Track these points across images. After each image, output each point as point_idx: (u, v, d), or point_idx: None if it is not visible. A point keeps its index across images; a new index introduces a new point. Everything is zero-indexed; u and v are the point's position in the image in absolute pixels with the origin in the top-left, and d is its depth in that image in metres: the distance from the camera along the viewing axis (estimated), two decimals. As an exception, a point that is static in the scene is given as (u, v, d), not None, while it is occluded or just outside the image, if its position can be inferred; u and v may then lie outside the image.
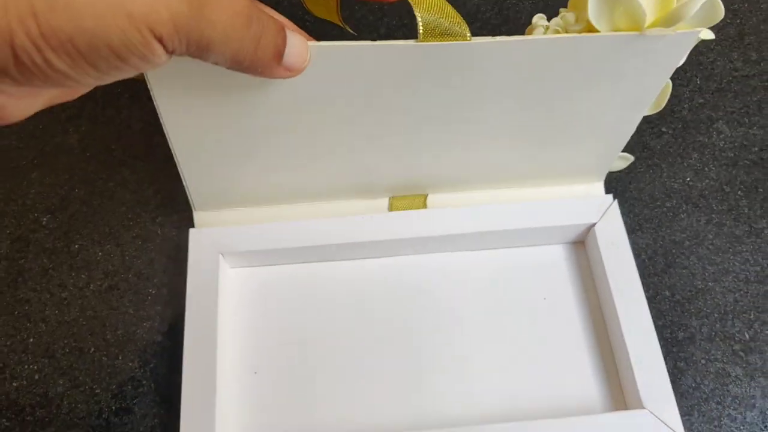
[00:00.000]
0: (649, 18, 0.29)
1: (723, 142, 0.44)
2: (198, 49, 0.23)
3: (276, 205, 0.39)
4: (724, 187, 0.43)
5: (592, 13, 0.30)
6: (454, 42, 0.29)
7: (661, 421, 0.33)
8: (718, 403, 0.36)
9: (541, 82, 0.32)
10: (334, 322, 0.38)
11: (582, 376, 0.37)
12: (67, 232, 0.40)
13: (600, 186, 0.41)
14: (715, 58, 0.48)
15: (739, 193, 0.42)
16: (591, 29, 0.30)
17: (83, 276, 0.39)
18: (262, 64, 0.25)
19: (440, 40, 0.29)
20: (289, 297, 0.39)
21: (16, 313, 0.38)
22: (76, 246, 0.40)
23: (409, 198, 0.40)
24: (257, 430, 0.35)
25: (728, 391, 0.37)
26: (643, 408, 0.34)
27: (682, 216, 0.42)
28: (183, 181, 0.36)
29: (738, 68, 0.47)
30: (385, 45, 0.29)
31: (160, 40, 0.22)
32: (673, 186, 0.43)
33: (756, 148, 0.44)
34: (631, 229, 0.41)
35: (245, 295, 0.39)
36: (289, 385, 0.36)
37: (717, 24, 0.31)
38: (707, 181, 0.43)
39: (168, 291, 0.39)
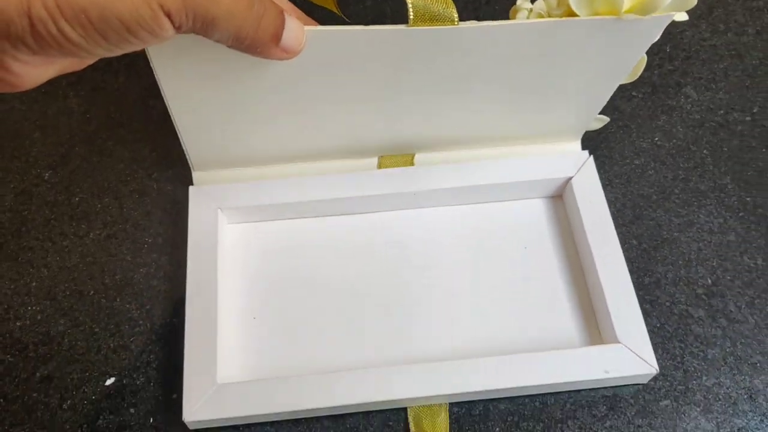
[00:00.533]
0: (627, 4, 0.31)
1: (690, 106, 0.47)
2: (203, 26, 0.25)
3: (270, 166, 0.41)
4: (691, 146, 0.45)
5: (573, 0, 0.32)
6: (443, 27, 0.31)
7: (635, 353, 0.36)
8: (680, 341, 0.38)
9: (524, 61, 0.34)
10: (326, 271, 0.40)
11: (562, 316, 0.39)
12: (68, 186, 0.43)
13: (577, 144, 0.43)
14: (684, 29, 0.50)
15: (704, 151, 0.45)
16: (572, 13, 0.32)
17: (83, 226, 0.41)
18: (262, 43, 0.27)
19: (429, 25, 0.31)
20: (284, 250, 0.41)
21: (19, 259, 0.40)
22: (77, 199, 0.42)
23: (397, 157, 0.42)
24: (256, 369, 0.37)
25: (691, 330, 0.39)
26: (619, 342, 0.36)
27: (650, 172, 0.44)
28: (182, 144, 0.38)
29: (706, 38, 0.50)
30: (376, 30, 0.31)
31: (169, 16, 0.23)
32: (642, 145, 0.45)
33: (722, 111, 0.47)
34: (602, 185, 0.43)
35: (243, 248, 0.41)
36: (286, 328, 0.38)
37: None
38: (674, 141, 0.45)
39: (163, 240, 0.41)
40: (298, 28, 0.29)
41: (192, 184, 0.41)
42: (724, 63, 0.49)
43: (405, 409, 0.36)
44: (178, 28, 0.24)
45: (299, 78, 0.33)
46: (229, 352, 0.37)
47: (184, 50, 0.31)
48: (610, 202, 0.43)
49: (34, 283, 0.39)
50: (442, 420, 0.36)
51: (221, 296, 0.37)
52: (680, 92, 0.47)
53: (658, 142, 0.45)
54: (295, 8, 0.33)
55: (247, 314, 0.39)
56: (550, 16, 0.34)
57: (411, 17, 0.30)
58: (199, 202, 0.39)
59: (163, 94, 0.34)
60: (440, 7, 0.30)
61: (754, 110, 0.47)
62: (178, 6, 0.23)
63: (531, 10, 0.36)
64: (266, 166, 0.41)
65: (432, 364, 0.35)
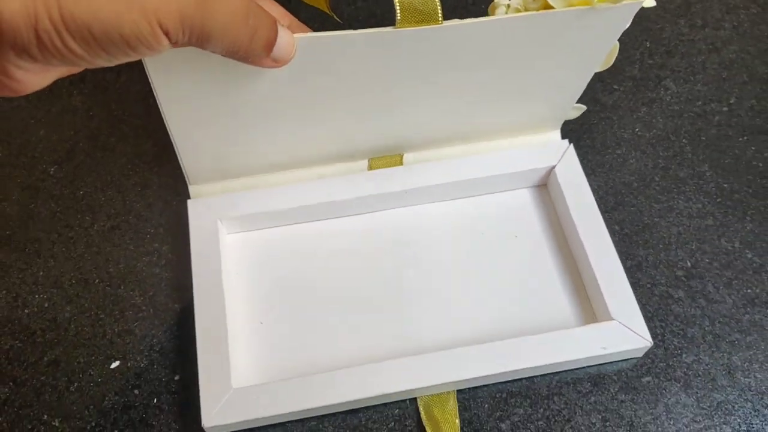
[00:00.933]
0: None
1: (670, 97, 0.49)
2: (199, 40, 0.26)
3: (265, 175, 0.43)
4: (670, 136, 0.47)
5: None
6: (428, 27, 0.33)
7: (629, 329, 0.37)
8: (661, 321, 0.40)
9: (504, 54, 0.36)
10: (327, 271, 0.41)
11: (556, 299, 0.40)
12: (72, 181, 0.45)
13: (557, 134, 0.45)
14: (663, 25, 0.52)
15: (683, 141, 0.47)
16: (548, 6, 0.34)
17: (88, 218, 0.43)
18: (254, 54, 0.29)
19: (415, 26, 0.32)
20: (284, 255, 0.42)
21: (27, 250, 0.42)
22: (81, 192, 0.44)
23: (386, 158, 0.44)
24: (268, 371, 0.38)
25: (671, 310, 0.40)
26: (613, 320, 0.38)
27: (631, 161, 0.46)
28: (179, 159, 0.39)
29: (684, 33, 0.52)
30: (365, 33, 0.32)
31: (167, 33, 0.25)
32: (623, 135, 0.47)
33: (700, 102, 0.49)
34: (585, 174, 0.45)
35: (245, 257, 0.42)
36: (293, 330, 0.39)
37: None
38: (655, 131, 0.47)
39: (165, 230, 0.43)
40: (289, 38, 0.30)
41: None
42: (702, 57, 0.51)
43: (415, 399, 0.37)
44: (174, 43, 0.26)
45: (292, 84, 0.35)
46: (241, 357, 0.38)
47: (181, 63, 0.32)
48: (593, 190, 0.44)
49: (41, 273, 0.41)
50: (452, 407, 0.37)
51: (228, 304, 0.38)
52: (660, 85, 0.49)
53: (639, 133, 0.47)
54: (287, 13, 0.34)
55: (254, 320, 0.40)
56: (527, 10, 0.35)
57: (398, 17, 0.32)
58: (198, 214, 0.40)
59: (160, 109, 0.35)
60: (426, 6, 0.32)
61: (731, 101, 0.48)
62: (175, 23, 0.25)
63: (509, 5, 0.37)
64: (260, 176, 0.42)
65: (441, 353, 0.36)
